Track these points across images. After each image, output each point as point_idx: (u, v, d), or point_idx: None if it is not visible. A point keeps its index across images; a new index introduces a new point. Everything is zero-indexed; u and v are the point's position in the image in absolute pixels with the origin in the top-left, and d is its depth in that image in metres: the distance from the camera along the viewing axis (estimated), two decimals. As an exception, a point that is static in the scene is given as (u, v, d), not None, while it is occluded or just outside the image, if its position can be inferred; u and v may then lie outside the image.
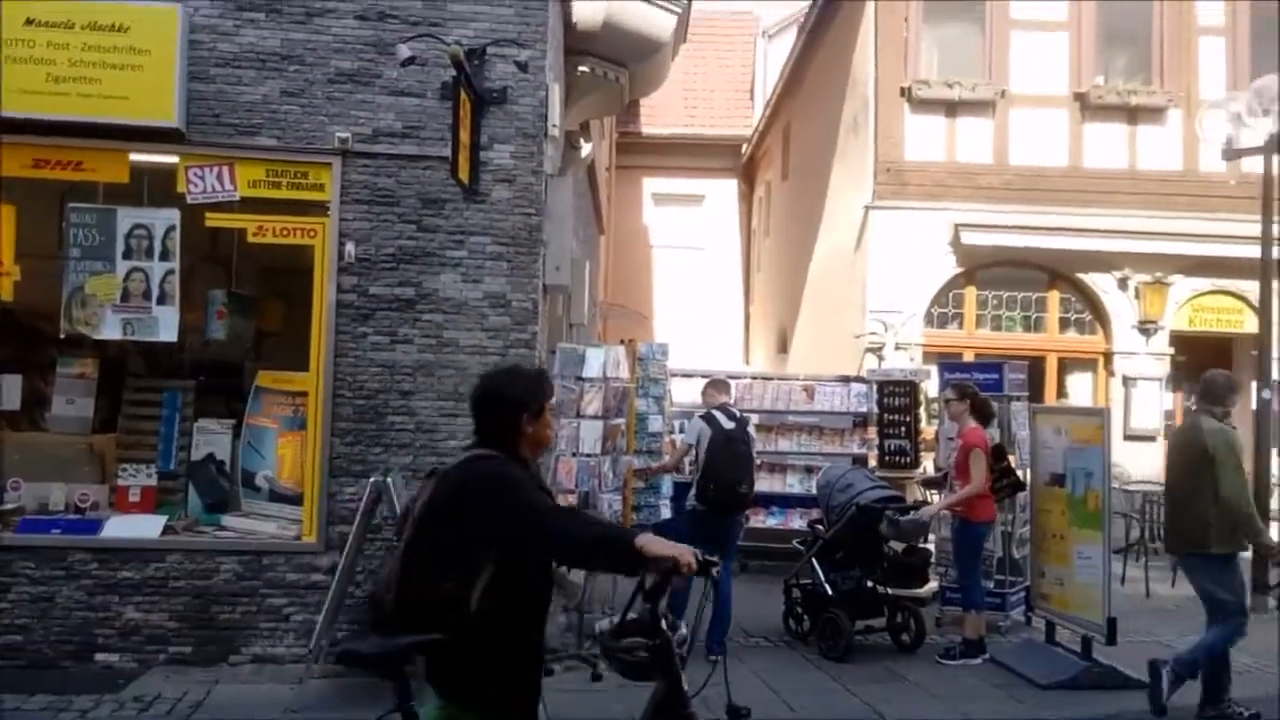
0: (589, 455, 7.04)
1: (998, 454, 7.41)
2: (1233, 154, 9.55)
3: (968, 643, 6.97)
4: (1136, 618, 7.95)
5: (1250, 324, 11.40)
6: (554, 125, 6.82)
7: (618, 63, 9.14)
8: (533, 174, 6.61)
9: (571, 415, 7.08)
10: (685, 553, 2.53)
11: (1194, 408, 6.01)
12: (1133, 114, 12.11)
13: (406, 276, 6.46)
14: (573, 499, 6.91)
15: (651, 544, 2.53)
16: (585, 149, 10.68)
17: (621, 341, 8.33)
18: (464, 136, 6.17)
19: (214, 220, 6.39)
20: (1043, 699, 6.24)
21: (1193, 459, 5.68)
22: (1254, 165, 9.32)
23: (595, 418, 7.11)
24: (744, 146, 21.21)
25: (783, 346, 17.45)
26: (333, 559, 6.15)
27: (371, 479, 5.96)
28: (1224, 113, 9.66)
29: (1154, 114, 12.13)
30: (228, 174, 6.33)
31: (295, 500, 6.46)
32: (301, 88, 6.41)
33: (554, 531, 2.66)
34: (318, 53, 6.43)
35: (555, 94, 6.91)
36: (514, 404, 2.82)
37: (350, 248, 6.39)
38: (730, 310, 21.25)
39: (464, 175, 6.24)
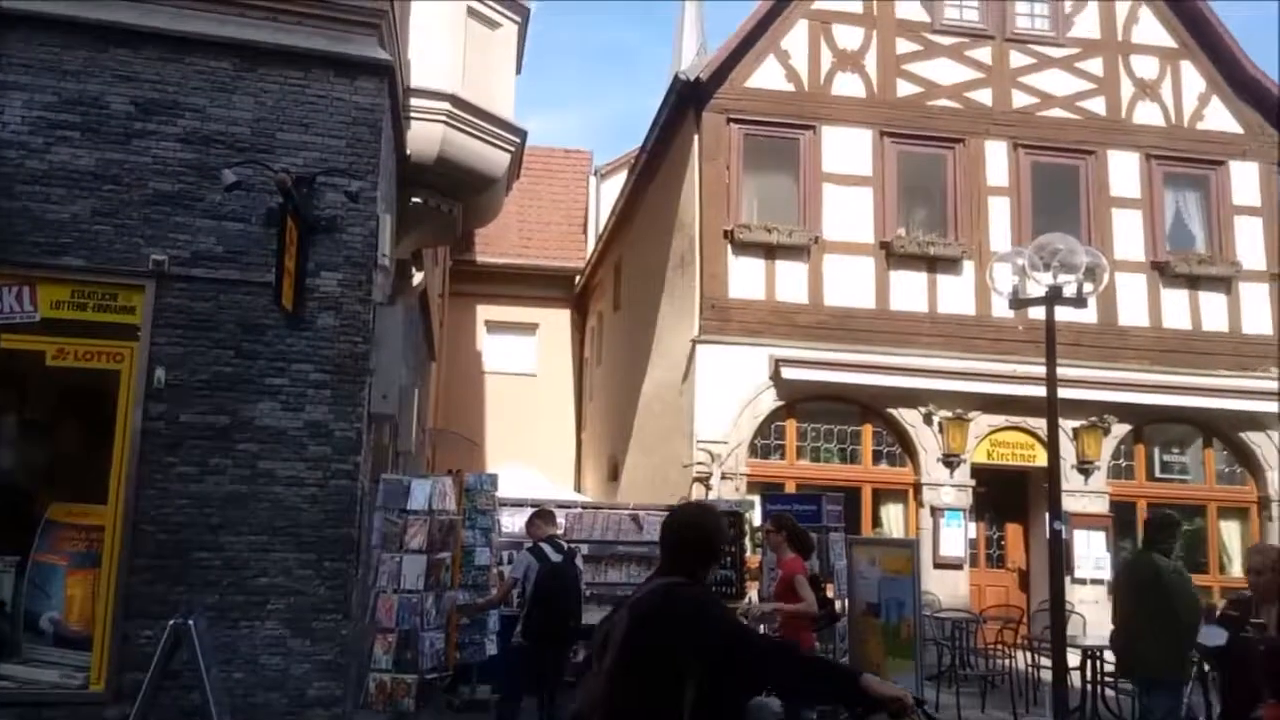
0: (411, 591, 6.81)
1: (814, 584, 7.61)
2: (1018, 303, 10.36)
3: (791, 775, 6.99)
4: (949, 743, 8.20)
5: (1041, 458, 12.29)
6: (384, 255, 6.84)
7: (451, 195, 9.31)
8: (360, 302, 6.56)
9: (395, 549, 6.87)
10: (907, 695, 2.71)
11: (1139, 546, 6.42)
12: (931, 263, 13.14)
13: (221, 404, 6.22)
14: (392, 639, 6.64)
15: (874, 683, 2.74)
16: (417, 277, 10.71)
17: (449, 472, 8.21)
18: (289, 263, 6.10)
19: (9, 342, 6.01)
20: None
21: (1151, 590, 6.06)
22: (1038, 314, 10.16)
23: (419, 552, 6.91)
24: (577, 278, 21.69)
25: (614, 474, 17.55)
26: (123, 710, 5.65)
27: (172, 621, 5.55)
28: (1010, 265, 10.49)
29: (950, 263, 13.20)
30: (28, 294, 6.01)
31: (84, 644, 5.95)
32: (116, 208, 6.21)
33: (774, 655, 2.84)
34: (135, 174, 6.28)
35: (386, 224, 6.95)
36: (721, 536, 3.10)
37: (160, 373, 6.12)
38: (562, 437, 21.28)
39: (287, 301, 6.14)
